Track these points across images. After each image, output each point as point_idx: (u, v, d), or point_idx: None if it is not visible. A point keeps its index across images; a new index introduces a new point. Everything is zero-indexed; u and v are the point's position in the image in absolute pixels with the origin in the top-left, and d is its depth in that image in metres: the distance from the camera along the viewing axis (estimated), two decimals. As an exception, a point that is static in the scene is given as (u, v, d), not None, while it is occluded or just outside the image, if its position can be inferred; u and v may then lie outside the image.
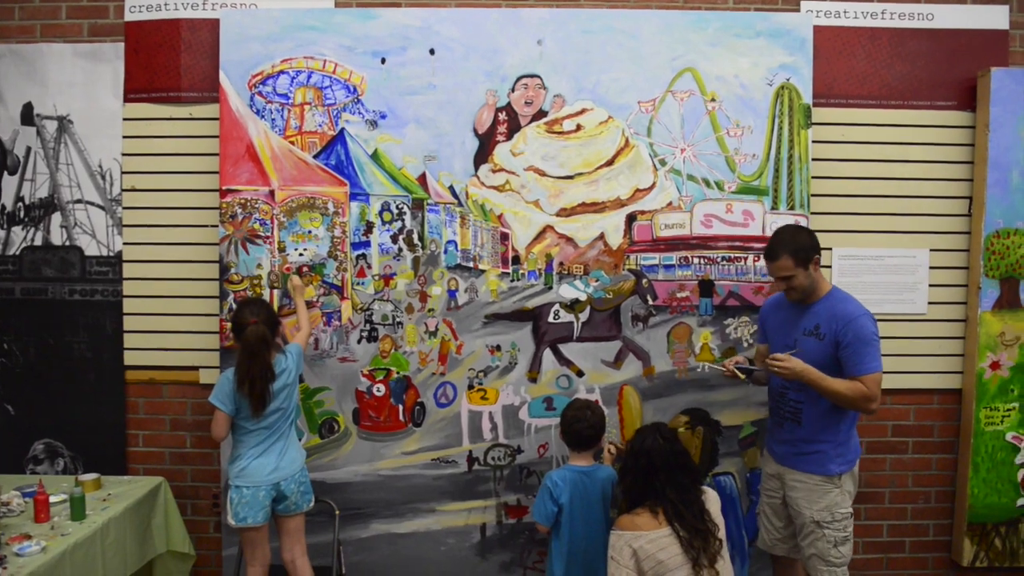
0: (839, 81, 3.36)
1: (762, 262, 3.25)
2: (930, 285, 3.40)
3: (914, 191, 3.38)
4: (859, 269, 3.37)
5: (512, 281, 3.28)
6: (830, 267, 3.36)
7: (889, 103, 3.38)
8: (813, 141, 3.26)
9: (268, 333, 2.78)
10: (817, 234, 3.23)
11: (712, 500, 2.50)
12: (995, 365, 3.33)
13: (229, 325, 3.09)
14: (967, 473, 3.36)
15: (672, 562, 2.26)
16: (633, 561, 2.29)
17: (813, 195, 3.29)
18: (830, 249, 3.35)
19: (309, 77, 3.23)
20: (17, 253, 3.41)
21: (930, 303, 3.41)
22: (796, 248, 2.67)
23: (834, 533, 2.67)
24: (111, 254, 3.40)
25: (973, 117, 3.36)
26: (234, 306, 3.17)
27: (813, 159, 3.27)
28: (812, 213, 3.27)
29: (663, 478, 2.41)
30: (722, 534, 2.40)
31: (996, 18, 3.38)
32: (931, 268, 3.39)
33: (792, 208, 3.26)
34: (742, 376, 2.82)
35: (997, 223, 3.29)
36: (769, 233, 3.23)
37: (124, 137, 3.37)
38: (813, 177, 3.28)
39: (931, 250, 3.39)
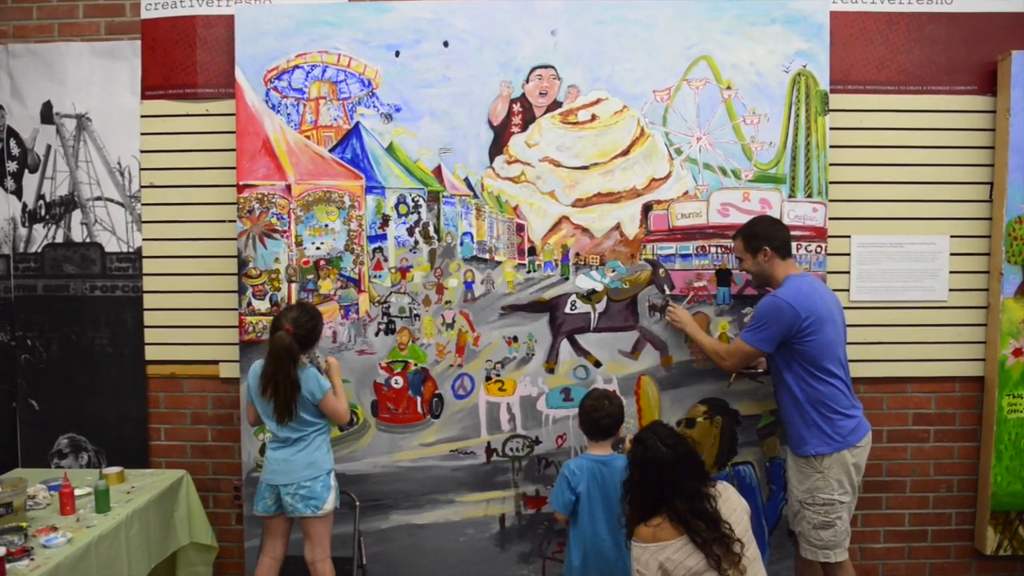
0: (856, 67, 3.33)
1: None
2: (951, 272, 3.36)
3: (934, 177, 3.34)
4: (879, 256, 3.34)
5: (528, 272, 3.28)
6: (849, 255, 3.33)
7: (908, 88, 3.34)
8: (830, 128, 3.23)
9: (294, 345, 2.70)
10: (836, 222, 3.28)
11: (725, 497, 2.35)
12: (1018, 352, 3.29)
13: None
14: (990, 461, 3.33)
15: (699, 567, 2.20)
16: (660, 573, 2.23)
17: (831, 182, 3.26)
18: (849, 237, 3.33)
19: (324, 71, 3.24)
20: (39, 250, 3.46)
21: (951, 290, 3.37)
22: (748, 234, 2.88)
23: (814, 516, 2.76)
24: (131, 250, 3.44)
25: (994, 101, 3.31)
26: (252, 301, 3.20)
27: (831, 146, 3.24)
28: (830, 200, 3.24)
29: (671, 489, 2.29)
30: (741, 531, 2.27)
31: (1016, 1, 3.33)
32: (952, 255, 3.35)
33: (810, 196, 3.23)
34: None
35: (1019, 208, 3.24)
36: (787, 221, 3.22)
37: (142, 134, 3.40)
38: (831, 164, 3.25)
39: (952, 236, 3.35)
